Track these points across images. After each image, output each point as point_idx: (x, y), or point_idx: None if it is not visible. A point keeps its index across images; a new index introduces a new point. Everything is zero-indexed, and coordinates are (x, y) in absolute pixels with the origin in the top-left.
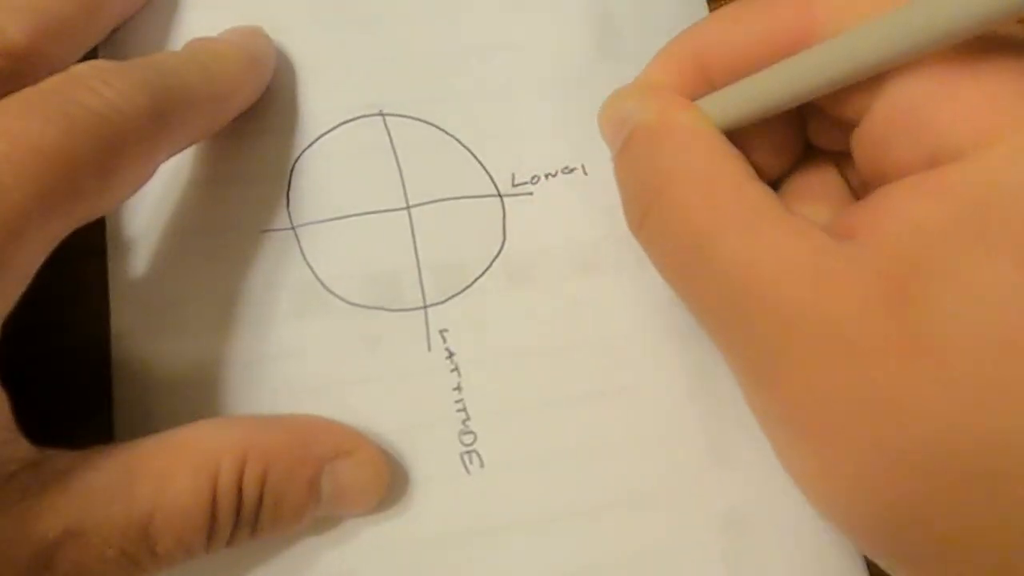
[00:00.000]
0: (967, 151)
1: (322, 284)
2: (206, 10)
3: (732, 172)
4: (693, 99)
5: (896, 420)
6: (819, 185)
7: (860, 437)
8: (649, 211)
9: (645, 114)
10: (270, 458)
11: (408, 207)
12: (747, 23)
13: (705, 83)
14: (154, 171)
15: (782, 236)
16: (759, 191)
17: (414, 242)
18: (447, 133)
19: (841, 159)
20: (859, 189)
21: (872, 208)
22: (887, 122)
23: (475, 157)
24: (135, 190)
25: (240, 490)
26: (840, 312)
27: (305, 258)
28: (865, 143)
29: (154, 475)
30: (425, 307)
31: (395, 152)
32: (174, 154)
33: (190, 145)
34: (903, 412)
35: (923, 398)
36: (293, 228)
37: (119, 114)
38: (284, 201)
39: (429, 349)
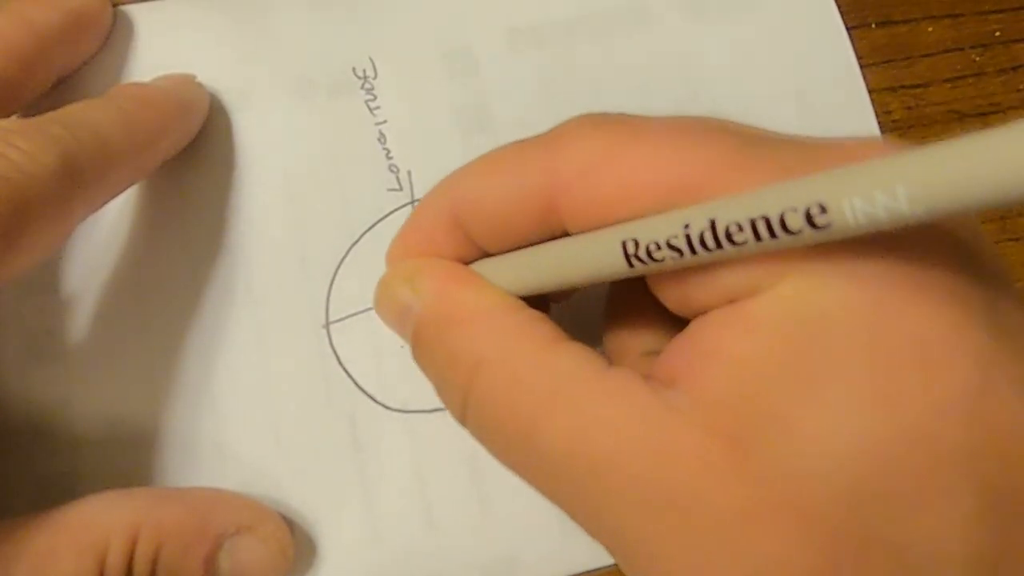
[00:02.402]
0: (761, 288)
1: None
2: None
3: (533, 344)
4: (459, 258)
5: None
6: (640, 317)
7: None
8: (466, 406)
9: (423, 302)
10: (163, 534)
11: None
12: (498, 176)
13: (465, 240)
14: (70, 231)
15: (606, 407)
16: (567, 355)
17: None
18: None
19: None
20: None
21: (687, 349)
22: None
23: None
24: (48, 253)
25: (130, 569)
26: (685, 482)
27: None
28: (660, 282)
29: (35, 556)
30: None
31: None
32: (94, 211)
33: (112, 198)
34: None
35: (793, 557)
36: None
37: (25, 176)
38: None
39: None
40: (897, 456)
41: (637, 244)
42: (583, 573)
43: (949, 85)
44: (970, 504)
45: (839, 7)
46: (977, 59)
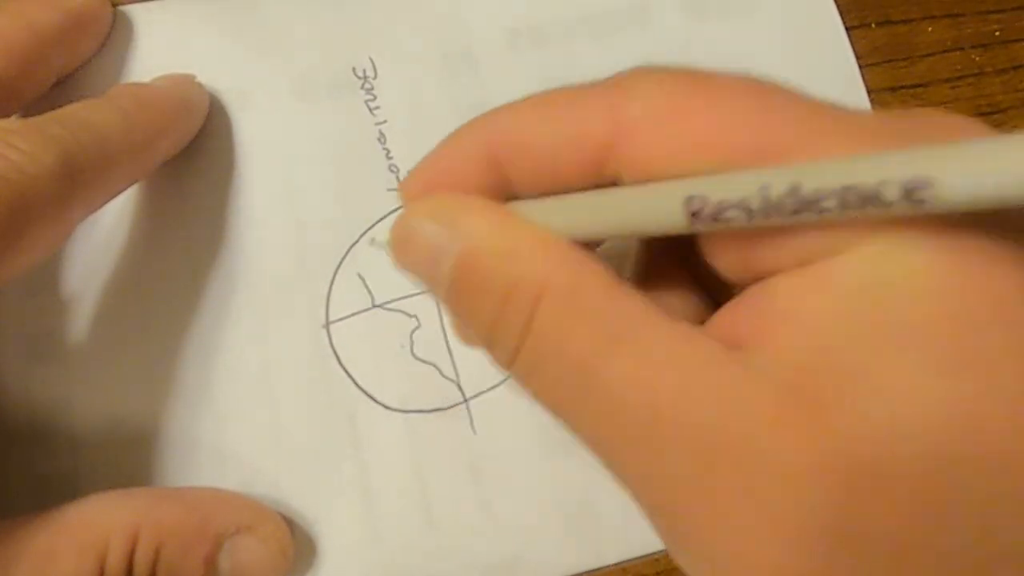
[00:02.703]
0: (838, 250)
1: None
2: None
3: (599, 278)
4: (486, 190)
5: (845, 549)
6: (670, 288)
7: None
8: (522, 341)
9: (472, 236)
10: (164, 534)
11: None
12: (553, 119)
13: (497, 181)
14: (70, 231)
15: (673, 350)
16: (634, 296)
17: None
18: None
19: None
20: (707, 279)
21: (752, 311)
22: (743, 233)
23: None
24: (48, 253)
25: (130, 569)
26: (754, 434)
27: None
28: (718, 244)
29: (36, 556)
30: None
31: None
32: (94, 211)
33: (112, 198)
34: (849, 539)
35: (866, 521)
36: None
37: (24, 176)
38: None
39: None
40: (984, 415)
41: (705, 201)
42: (583, 573)
43: (949, 85)
44: None
45: (839, 7)
46: (977, 59)
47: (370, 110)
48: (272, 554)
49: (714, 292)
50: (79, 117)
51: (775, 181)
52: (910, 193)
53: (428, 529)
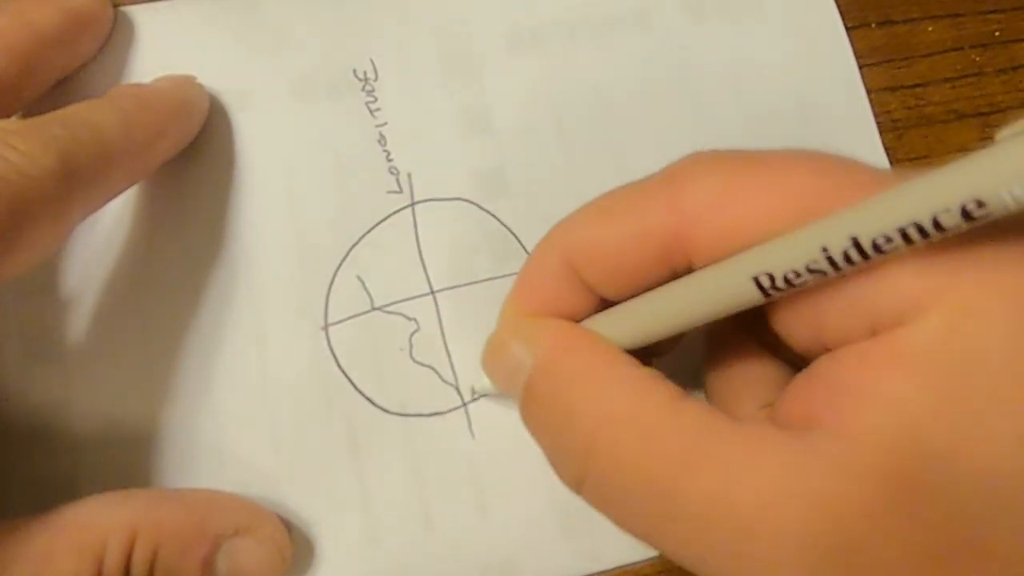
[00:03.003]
0: (907, 319)
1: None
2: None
3: (657, 400)
4: (576, 308)
5: None
6: (744, 368)
7: None
8: (587, 468)
9: (538, 357)
10: (162, 536)
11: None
12: (617, 221)
13: (581, 289)
14: (69, 231)
15: (745, 458)
16: (695, 411)
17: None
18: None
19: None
20: (779, 351)
21: (822, 387)
22: (812, 295)
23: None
24: (47, 253)
25: (128, 571)
26: (844, 531)
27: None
28: (787, 316)
29: (34, 557)
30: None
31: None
32: (93, 211)
33: (112, 199)
34: None
35: None
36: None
37: (23, 177)
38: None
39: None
40: None
41: (772, 278)
42: None
43: (949, 85)
44: None
45: (839, 7)
46: (977, 59)
47: (370, 112)
48: (270, 556)
49: (790, 358)
50: (79, 118)
51: (831, 239)
52: (969, 214)
53: (426, 532)
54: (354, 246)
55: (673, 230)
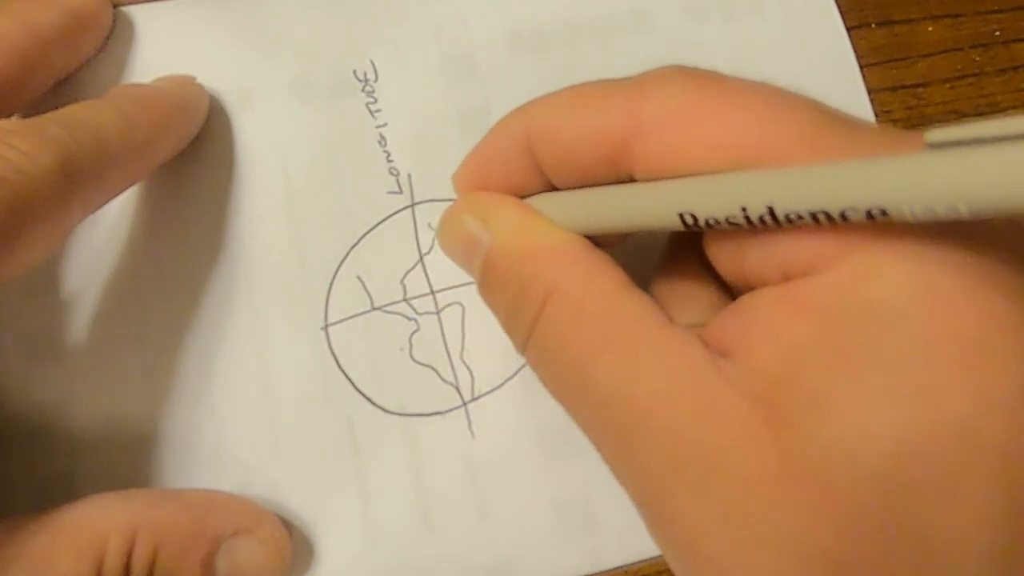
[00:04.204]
0: (815, 270)
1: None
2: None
3: (605, 283)
4: (524, 185)
5: (786, 557)
6: (688, 283)
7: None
8: (531, 333)
9: (497, 235)
10: (162, 536)
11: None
12: (580, 112)
13: (532, 169)
14: (69, 232)
15: (660, 357)
16: (634, 302)
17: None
18: None
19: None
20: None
21: (740, 321)
22: (736, 238)
23: None
24: (47, 253)
25: (128, 571)
26: (719, 442)
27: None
28: (716, 248)
29: (33, 557)
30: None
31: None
32: (93, 211)
33: (111, 199)
34: (791, 549)
35: (809, 533)
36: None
37: (23, 176)
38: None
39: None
40: (934, 448)
41: (695, 218)
42: None
43: (949, 85)
44: (999, 502)
45: (839, 7)
46: (977, 59)
47: (370, 112)
48: (270, 556)
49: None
50: (79, 117)
51: (752, 202)
52: (873, 217)
53: (426, 532)
54: (354, 246)
55: (625, 135)
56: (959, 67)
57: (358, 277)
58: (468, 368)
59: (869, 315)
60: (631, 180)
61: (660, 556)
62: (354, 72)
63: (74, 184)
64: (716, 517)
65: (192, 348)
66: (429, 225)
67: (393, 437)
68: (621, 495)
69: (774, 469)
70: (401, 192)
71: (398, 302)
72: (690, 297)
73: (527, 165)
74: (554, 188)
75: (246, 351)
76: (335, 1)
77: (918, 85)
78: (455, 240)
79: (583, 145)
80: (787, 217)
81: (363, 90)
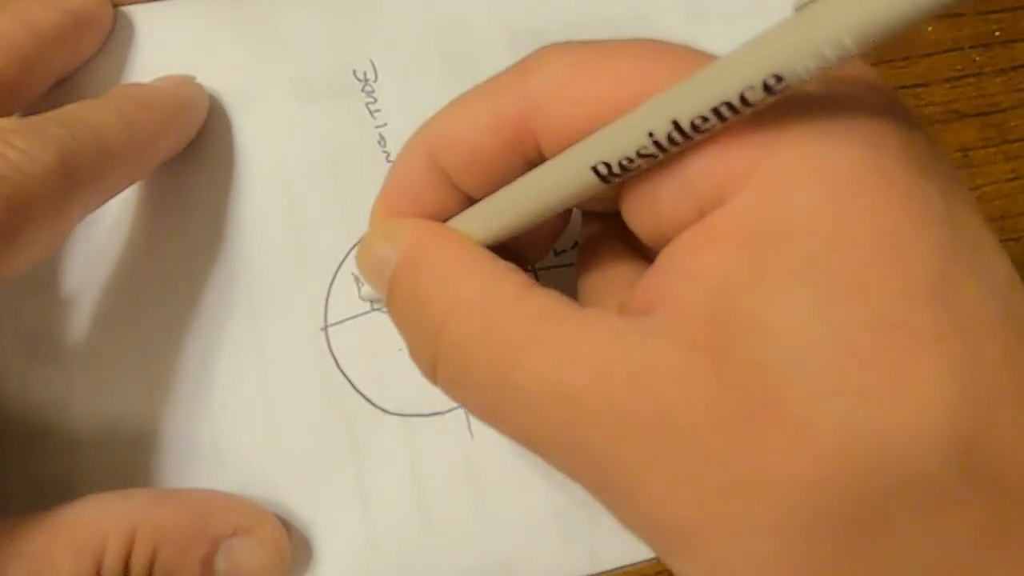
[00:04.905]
0: (725, 197)
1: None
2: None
3: (505, 288)
4: (441, 206)
5: (759, 496)
6: (610, 265)
7: (734, 524)
8: (437, 353)
9: (399, 251)
10: (161, 536)
11: None
12: (473, 108)
13: (446, 185)
14: (68, 231)
15: (578, 339)
16: (540, 299)
17: None
18: None
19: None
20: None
21: (660, 275)
22: (647, 184)
23: None
24: (46, 252)
25: (127, 571)
26: (664, 397)
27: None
28: (633, 208)
29: (32, 557)
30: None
31: None
32: (92, 210)
33: (111, 198)
34: (764, 482)
35: (778, 464)
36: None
37: (22, 175)
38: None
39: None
40: (869, 343)
41: (609, 166)
42: None
43: (949, 85)
44: (945, 385)
45: None
46: (977, 59)
47: (370, 112)
48: (269, 556)
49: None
50: (78, 116)
51: (656, 124)
52: (770, 89)
53: (425, 533)
54: (354, 247)
55: (522, 115)
56: (959, 67)
57: (358, 277)
58: None
59: (786, 229)
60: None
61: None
62: (354, 72)
63: (74, 183)
64: (679, 478)
65: (191, 348)
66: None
67: (392, 437)
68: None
69: (727, 408)
70: None
71: None
72: (615, 278)
73: (438, 183)
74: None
75: (246, 352)
76: (335, 1)
77: (918, 85)
78: (367, 263)
79: (484, 139)
80: (693, 126)
81: (363, 90)
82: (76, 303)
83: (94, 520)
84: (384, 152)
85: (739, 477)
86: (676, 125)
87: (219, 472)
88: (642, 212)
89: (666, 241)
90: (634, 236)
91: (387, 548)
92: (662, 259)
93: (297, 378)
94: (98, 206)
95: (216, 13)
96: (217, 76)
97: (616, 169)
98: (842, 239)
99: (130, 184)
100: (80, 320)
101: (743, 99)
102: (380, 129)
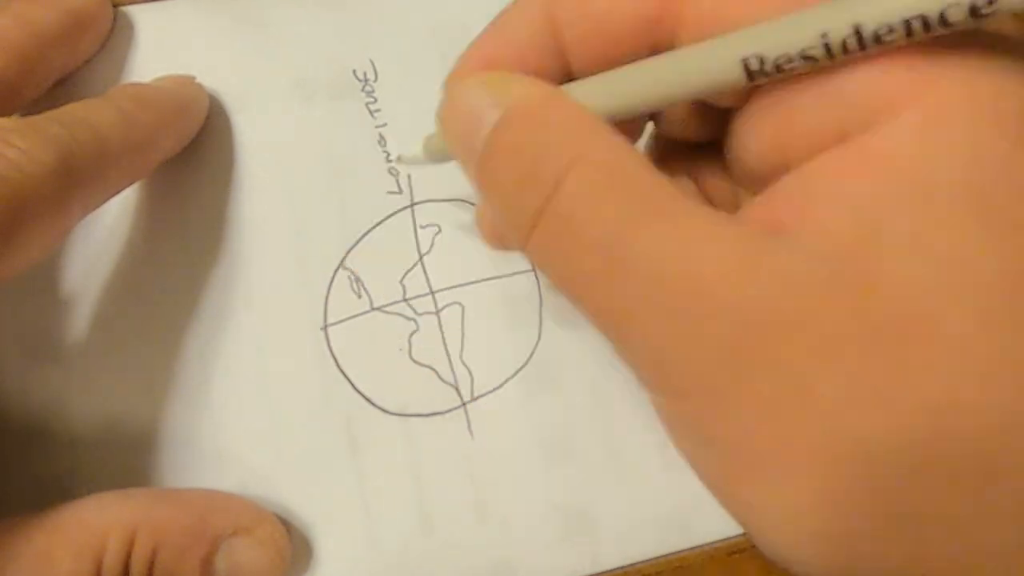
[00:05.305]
0: (878, 121)
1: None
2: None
3: (635, 157)
4: (540, 73)
5: (886, 414)
6: (685, 181)
7: (838, 440)
8: (544, 211)
9: (511, 104)
10: (161, 535)
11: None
12: None
13: (555, 55)
14: (68, 230)
15: (709, 227)
16: (666, 180)
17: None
18: None
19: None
20: (717, 193)
21: (793, 195)
22: (782, 99)
23: None
24: (46, 252)
25: (127, 570)
26: (801, 307)
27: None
28: (755, 117)
29: (32, 556)
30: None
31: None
32: (92, 210)
33: (110, 198)
34: (890, 405)
35: (932, 386)
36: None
37: (21, 174)
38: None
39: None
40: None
41: (763, 61)
42: None
43: None
44: None
45: None
46: None
47: (370, 112)
48: (269, 556)
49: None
50: (78, 116)
51: (834, 26)
52: (978, 10)
53: (425, 533)
54: (353, 246)
55: (670, 8)
56: None
57: (357, 277)
58: (467, 368)
59: (949, 160)
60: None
61: (659, 556)
62: (354, 72)
63: (73, 182)
64: (798, 380)
65: (191, 348)
66: (399, 157)
67: (392, 437)
68: (620, 495)
69: (878, 319)
70: (400, 192)
71: (397, 302)
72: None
73: (546, 46)
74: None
75: (245, 352)
76: (335, 1)
77: None
78: (454, 115)
79: (618, 12)
80: (876, 36)
81: (363, 90)
82: (76, 303)
83: (94, 520)
84: (384, 152)
85: (880, 395)
86: (857, 31)
87: (219, 472)
88: (765, 127)
89: (782, 169)
90: (710, 169)
91: (387, 548)
92: (790, 183)
93: (297, 378)
94: (98, 206)
95: (216, 13)
96: (217, 76)
97: (769, 67)
98: (1011, 177)
99: (130, 184)
100: (80, 320)
101: (943, 18)
102: (380, 129)
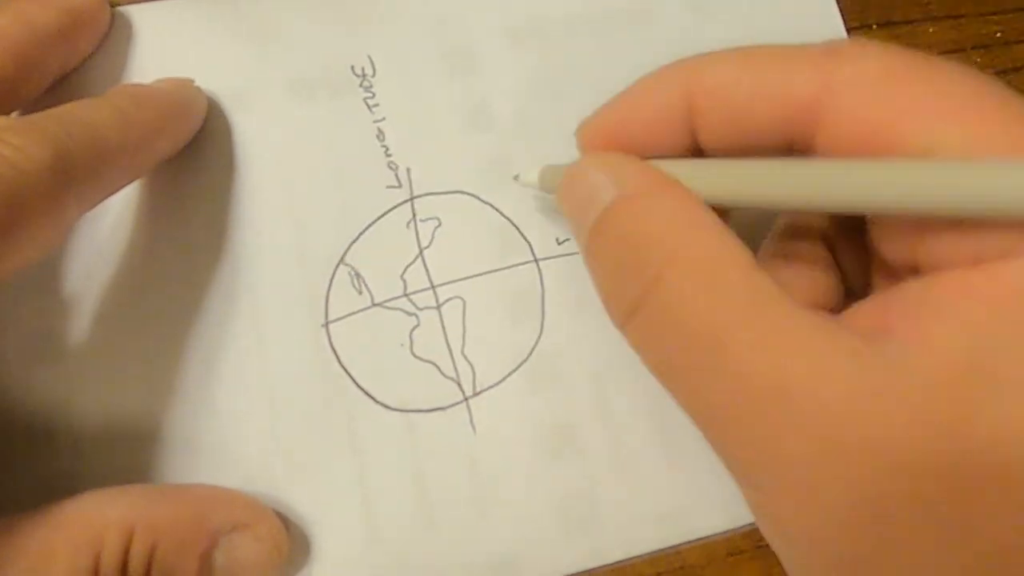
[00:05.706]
0: (1017, 253)
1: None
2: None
3: (738, 256)
4: (665, 147)
5: (950, 542)
6: (804, 265)
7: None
8: (643, 302)
9: (623, 188)
10: (159, 531)
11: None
12: (760, 69)
13: (682, 133)
14: (66, 228)
15: (809, 336)
16: (769, 281)
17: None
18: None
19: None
20: (851, 266)
21: (909, 303)
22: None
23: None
24: (44, 251)
25: (125, 566)
26: (890, 424)
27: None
28: (887, 230)
29: (31, 553)
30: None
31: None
32: (90, 209)
33: (108, 196)
34: (977, 540)
35: (1007, 534)
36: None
37: (18, 172)
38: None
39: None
40: None
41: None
42: (582, 573)
43: None
44: None
45: (840, 8)
46: (978, 60)
47: (369, 108)
48: (268, 552)
49: (851, 281)
50: (75, 114)
51: (1008, 197)
52: None
53: (427, 528)
54: (354, 242)
55: (814, 98)
56: None
57: (358, 273)
58: (469, 363)
59: None
60: (793, 154)
61: (659, 554)
62: (352, 68)
63: (69, 180)
64: (883, 518)
65: (193, 346)
66: (517, 176)
67: (394, 433)
68: (622, 489)
69: (956, 461)
70: (400, 186)
71: (398, 297)
72: (805, 279)
73: (678, 123)
74: (692, 155)
75: (246, 349)
76: None
77: None
78: (574, 191)
79: (761, 106)
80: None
81: (361, 85)
82: (78, 303)
83: (92, 516)
84: (383, 147)
85: (960, 537)
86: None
87: (220, 469)
88: (900, 237)
89: (910, 271)
90: (843, 247)
91: (388, 543)
92: (909, 290)
93: (298, 374)
94: (95, 204)
95: (214, 12)
96: (215, 74)
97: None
98: None
99: (128, 183)
100: (82, 320)
101: None
102: (379, 124)
